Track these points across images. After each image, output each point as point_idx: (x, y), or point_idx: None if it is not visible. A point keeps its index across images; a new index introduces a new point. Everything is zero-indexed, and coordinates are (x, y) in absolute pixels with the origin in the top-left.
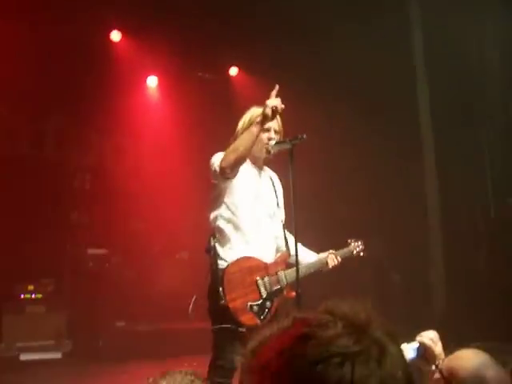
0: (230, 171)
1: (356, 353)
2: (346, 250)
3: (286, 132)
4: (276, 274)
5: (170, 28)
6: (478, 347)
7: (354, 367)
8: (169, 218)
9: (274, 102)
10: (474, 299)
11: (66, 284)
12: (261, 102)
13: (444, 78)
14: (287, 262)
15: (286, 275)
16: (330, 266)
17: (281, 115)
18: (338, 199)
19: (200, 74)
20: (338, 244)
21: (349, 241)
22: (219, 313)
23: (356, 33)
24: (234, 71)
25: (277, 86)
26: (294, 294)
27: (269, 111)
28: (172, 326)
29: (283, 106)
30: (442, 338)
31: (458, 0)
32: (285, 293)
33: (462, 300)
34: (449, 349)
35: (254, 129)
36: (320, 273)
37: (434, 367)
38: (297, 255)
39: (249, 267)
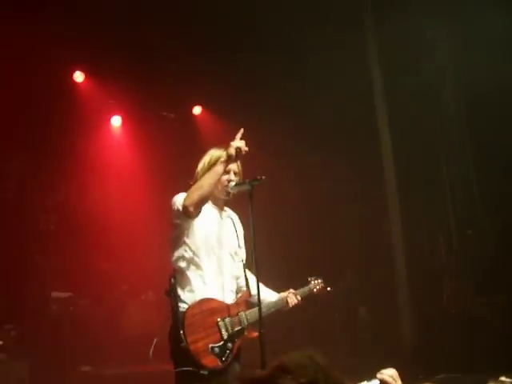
0: (193, 210)
1: None
2: (306, 288)
3: (245, 173)
4: (237, 314)
5: (133, 67)
6: (443, 379)
7: None
8: (134, 258)
9: (238, 143)
10: (439, 331)
11: (29, 329)
12: (224, 141)
13: (404, 116)
14: (248, 301)
15: (247, 315)
16: (290, 305)
17: (240, 157)
18: (301, 237)
19: (164, 113)
20: (301, 282)
21: (309, 279)
22: (181, 355)
23: (317, 73)
24: (197, 110)
25: (241, 130)
26: (255, 334)
27: (233, 152)
28: (139, 369)
29: (247, 148)
30: (410, 371)
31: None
32: (246, 333)
33: (429, 331)
34: (417, 381)
35: (218, 168)
36: (280, 312)
37: None
38: (259, 295)
39: (209, 309)
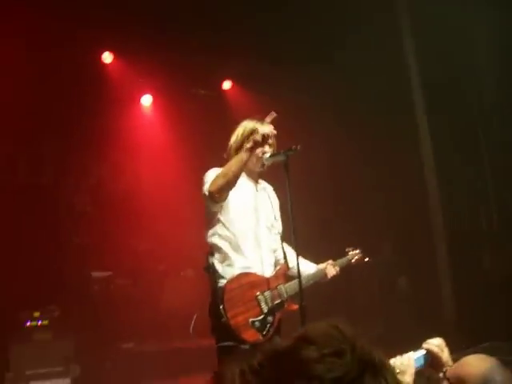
0: (218, 196)
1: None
2: (344, 259)
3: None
4: (276, 287)
5: (160, 46)
6: (486, 348)
7: None
8: (171, 236)
9: (266, 129)
10: (481, 299)
11: (72, 309)
12: (255, 115)
13: (441, 86)
14: (286, 274)
15: (287, 288)
16: (329, 277)
17: (266, 142)
18: (339, 208)
19: (194, 90)
20: (339, 253)
21: (347, 250)
22: (222, 331)
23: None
24: (227, 85)
25: (273, 114)
26: (295, 306)
27: (259, 138)
28: (180, 344)
29: (275, 132)
30: (453, 340)
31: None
32: (286, 306)
33: (471, 300)
34: (460, 350)
35: (244, 155)
36: (320, 283)
37: (441, 375)
38: (298, 267)
39: (248, 283)
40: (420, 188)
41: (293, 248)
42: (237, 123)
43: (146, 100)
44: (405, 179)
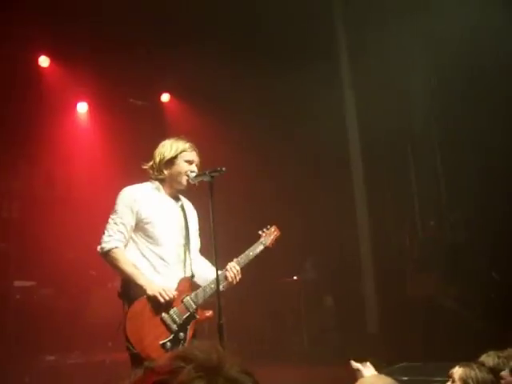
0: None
1: None
2: (254, 248)
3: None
4: (182, 301)
5: (100, 54)
6: (403, 368)
7: None
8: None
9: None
10: (404, 320)
11: None
12: (192, 129)
13: (372, 105)
14: (191, 285)
15: (193, 299)
16: (230, 279)
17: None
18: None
19: (131, 100)
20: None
21: (260, 232)
22: (137, 357)
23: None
24: (165, 97)
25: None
26: (208, 314)
27: (153, 295)
28: (105, 357)
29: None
30: (376, 358)
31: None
32: (198, 317)
33: (393, 320)
34: (381, 368)
35: (142, 282)
36: (232, 288)
37: None
38: (218, 286)
39: (151, 308)
40: (349, 208)
41: (213, 263)
42: (170, 136)
43: (82, 107)
44: (334, 198)
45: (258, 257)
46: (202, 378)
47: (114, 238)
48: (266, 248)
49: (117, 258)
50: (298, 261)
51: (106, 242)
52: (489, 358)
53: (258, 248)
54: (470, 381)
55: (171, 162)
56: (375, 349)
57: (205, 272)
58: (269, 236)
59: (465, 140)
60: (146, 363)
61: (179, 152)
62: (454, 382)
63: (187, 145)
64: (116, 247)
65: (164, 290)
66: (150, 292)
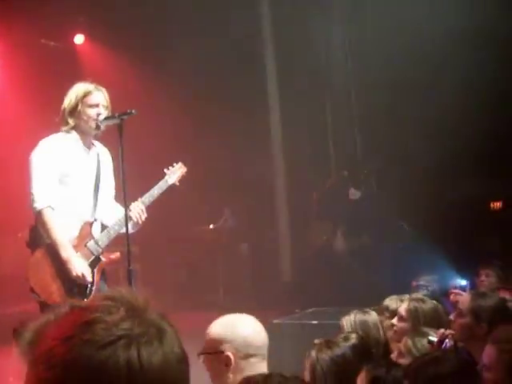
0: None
1: (140, 334)
2: (159, 185)
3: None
4: (85, 246)
5: None
6: (312, 312)
7: (140, 347)
8: (8, 195)
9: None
10: (313, 268)
11: None
12: (105, 72)
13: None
14: (93, 229)
15: (98, 242)
16: (135, 219)
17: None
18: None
19: (43, 40)
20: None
21: (165, 170)
22: (45, 305)
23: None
24: (79, 39)
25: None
26: (115, 255)
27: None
28: (18, 308)
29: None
30: (289, 305)
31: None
32: (103, 259)
33: (305, 269)
34: (292, 313)
35: (64, 255)
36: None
37: None
38: (127, 231)
39: (53, 254)
40: (265, 156)
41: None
42: (82, 80)
43: None
44: (250, 144)
45: (168, 198)
46: (133, 318)
47: (44, 195)
48: (173, 185)
49: (48, 220)
50: (215, 209)
51: (36, 201)
52: (392, 302)
53: (163, 185)
54: (420, 313)
55: (75, 109)
56: (288, 296)
57: (114, 215)
58: (174, 173)
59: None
60: (71, 302)
61: (81, 97)
62: (401, 317)
63: (90, 87)
64: (48, 206)
65: (83, 275)
66: (73, 272)
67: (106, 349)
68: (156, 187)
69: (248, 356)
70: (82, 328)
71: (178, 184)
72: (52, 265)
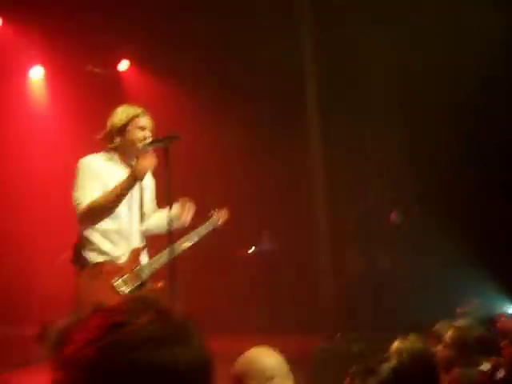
0: (89, 224)
1: (169, 335)
2: (206, 224)
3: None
4: (133, 271)
5: (57, 15)
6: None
7: (171, 348)
8: (53, 216)
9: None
10: (356, 293)
11: None
12: (151, 98)
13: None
14: (141, 254)
15: (145, 267)
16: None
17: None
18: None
19: (89, 67)
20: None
21: (210, 213)
22: None
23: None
24: (124, 65)
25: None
26: (161, 283)
27: (140, 177)
28: None
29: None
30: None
31: None
32: (150, 286)
33: (348, 293)
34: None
35: (132, 182)
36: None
37: None
38: (172, 250)
39: (102, 273)
40: (305, 179)
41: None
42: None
43: (36, 72)
44: (290, 168)
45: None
46: (161, 321)
47: (87, 196)
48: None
49: (95, 207)
50: (253, 233)
51: (79, 203)
52: (442, 327)
53: (210, 227)
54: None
55: (123, 129)
56: (329, 320)
57: (156, 218)
58: (220, 218)
59: None
60: (94, 306)
61: (130, 118)
62: (446, 345)
63: (139, 110)
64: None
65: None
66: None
67: (137, 350)
68: (203, 228)
69: (269, 379)
70: (111, 330)
71: (220, 226)
72: (101, 284)
